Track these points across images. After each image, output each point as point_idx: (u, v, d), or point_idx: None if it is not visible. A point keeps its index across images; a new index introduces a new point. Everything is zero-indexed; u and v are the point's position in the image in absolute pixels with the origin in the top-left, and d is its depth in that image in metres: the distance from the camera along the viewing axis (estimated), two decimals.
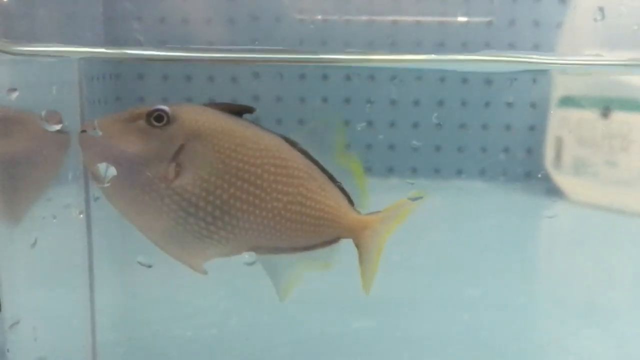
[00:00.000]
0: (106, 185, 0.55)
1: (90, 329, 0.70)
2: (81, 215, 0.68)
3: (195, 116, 0.56)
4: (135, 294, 0.75)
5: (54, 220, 0.65)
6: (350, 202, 0.61)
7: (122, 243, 0.69)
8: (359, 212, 0.61)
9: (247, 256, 0.60)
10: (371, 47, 0.68)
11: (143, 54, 0.60)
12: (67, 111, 0.58)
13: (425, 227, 0.76)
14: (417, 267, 0.79)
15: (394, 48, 0.71)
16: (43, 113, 0.58)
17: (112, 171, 0.54)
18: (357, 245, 0.60)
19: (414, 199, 0.61)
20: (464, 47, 0.74)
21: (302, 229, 0.59)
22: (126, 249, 0.69)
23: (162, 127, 0.55)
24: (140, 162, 0.54)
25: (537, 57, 0.67)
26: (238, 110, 0.58)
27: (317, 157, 0.59)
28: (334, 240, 0.61)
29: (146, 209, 0.56)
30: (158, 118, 0.55)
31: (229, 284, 0.75)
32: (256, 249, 0.59)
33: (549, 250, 0.86)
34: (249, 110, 0.58)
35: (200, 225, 0.56)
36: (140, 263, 0.61)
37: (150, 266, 0.62)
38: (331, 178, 0.60)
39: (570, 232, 0.85)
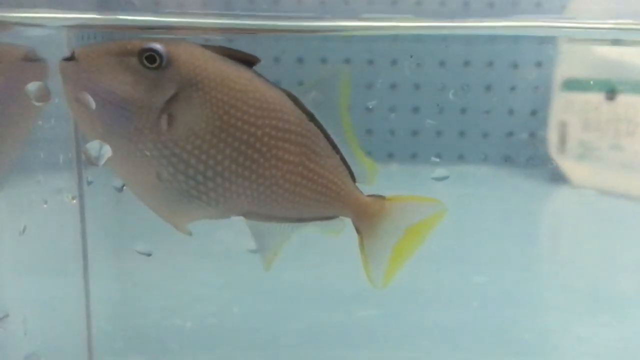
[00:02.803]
0: (90, 130, 0.49)
1: (85, 321, 0.66)
2: (74, 200, 0.64)
3: (193, 61, 0.50)
4: (132, 283, 0.72)
5: (45, 206, 0.61)
6: (353, 178, 0.56)
7: (118, 229, 0.66)
8: (361, 192, 0.56)
9: (251, 244, 0.57)
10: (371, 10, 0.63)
11: (137, 20, 0.55)
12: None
13: None
14: (421, 255, 0.77)
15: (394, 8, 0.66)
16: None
17: (106, 144, 0.50)
18: (357, 229, 0.56)
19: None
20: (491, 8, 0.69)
21: (299, 201, 0.54)
22: (122, 235, 0.66)
23: (155, 70, 0.49)
24: (127, 106, 0.49)
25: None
26: (241, 58, 0.52)
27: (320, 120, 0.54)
28: (331, 217, 0.56)
29: (131, 159, 0.50)
30: (150, 59, 0.49)
31: (229, 272, 0.72)
32: (247, 214, 0.54)
33: (555, 235, 0.84)
34: (253, 60, 0.52)
35: (190, 184, 0.51)
36: (138, 252, 0.58)
37: (149, 254, 0.58)
38: (335, 148, 0.55)
39: (574, 218, 0.84)
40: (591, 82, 0.86)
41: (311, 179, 0.54)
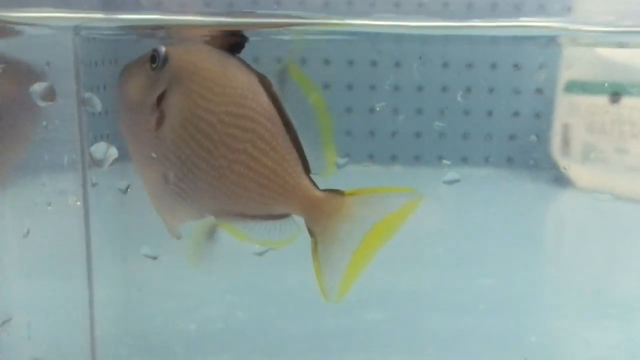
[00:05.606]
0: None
1: (89, 325, 0.66)
2: (78, 203, 0.63)
3: (184, 57, 0.49)
4: (136, 286, 0.71)
5: (49, 208, 0.61)
6: (307, 170, 0.49)
7: (123, 232, 0.65)
8: (315, 186, 0.49)
9: (257, 246, 0.56)
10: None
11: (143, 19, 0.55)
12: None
13: (428, 216, 0.74)
14: (426, 258, 0.77)
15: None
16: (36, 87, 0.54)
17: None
18: (309, 230, 0.49)
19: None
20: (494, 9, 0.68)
21: (245, 195, 0.49)
22: (127, 238, 0.65)
23: (155, 70, 0.50)
24: (132, 107, 0.50)
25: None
26: (235, 43, 0.51)
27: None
28: (284, 215, 0.50)
29: (139, 159, 0.51)
30: (153, 60, 0.50)
31: (234, 275, 0.71)
32: (216, 213, 0.51)
33: (560, 238, 0.84)
34: (241, 41, 0.51)
35: (175, 182, 0.50)
36: (145, 255, 0.57)
37: (155, 258, 0.57)
38: (291, 134, 0.49)
39: (579, 221, 0.84)
40: (595, 85, 0.85)
41: (253, 168, 0.48)
